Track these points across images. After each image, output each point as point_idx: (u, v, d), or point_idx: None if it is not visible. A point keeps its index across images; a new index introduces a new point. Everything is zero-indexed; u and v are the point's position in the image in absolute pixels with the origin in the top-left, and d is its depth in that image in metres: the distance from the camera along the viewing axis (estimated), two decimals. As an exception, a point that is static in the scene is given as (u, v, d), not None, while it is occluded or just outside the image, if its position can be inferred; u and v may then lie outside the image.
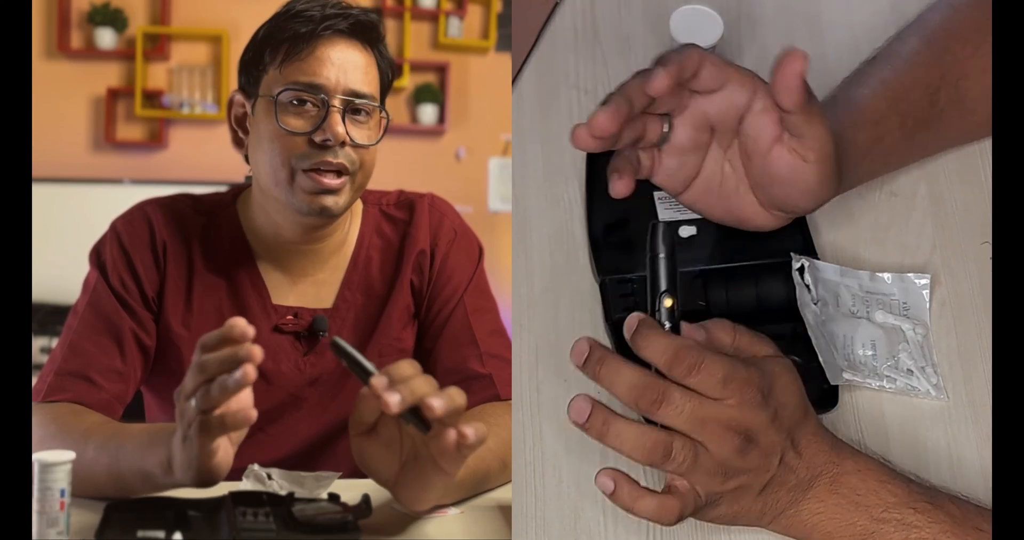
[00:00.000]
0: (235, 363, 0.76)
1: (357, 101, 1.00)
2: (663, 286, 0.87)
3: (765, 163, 0.94)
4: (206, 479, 0.79)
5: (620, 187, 0.92)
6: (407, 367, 0.82)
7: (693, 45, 0.92)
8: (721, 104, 0.93)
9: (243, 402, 0.78)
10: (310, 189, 0.99)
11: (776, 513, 0.88)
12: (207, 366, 0.77)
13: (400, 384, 0.80)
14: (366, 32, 1.02)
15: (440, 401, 0.80)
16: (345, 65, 1.00)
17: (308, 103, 0.99)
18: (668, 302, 0.87)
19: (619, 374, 0.84)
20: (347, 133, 0.99)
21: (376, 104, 1.02)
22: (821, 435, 0.88)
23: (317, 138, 0.98)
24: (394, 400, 0.79)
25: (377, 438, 0.83)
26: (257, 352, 0.77)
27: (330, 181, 0.99)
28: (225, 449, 0.80)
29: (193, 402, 0.77)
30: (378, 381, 0.79)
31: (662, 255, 0.87)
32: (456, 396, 0.81)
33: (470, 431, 0.80)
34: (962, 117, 1.05)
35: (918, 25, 1.08)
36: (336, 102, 0.99)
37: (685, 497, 0.86)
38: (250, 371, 0.76)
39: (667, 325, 0.86)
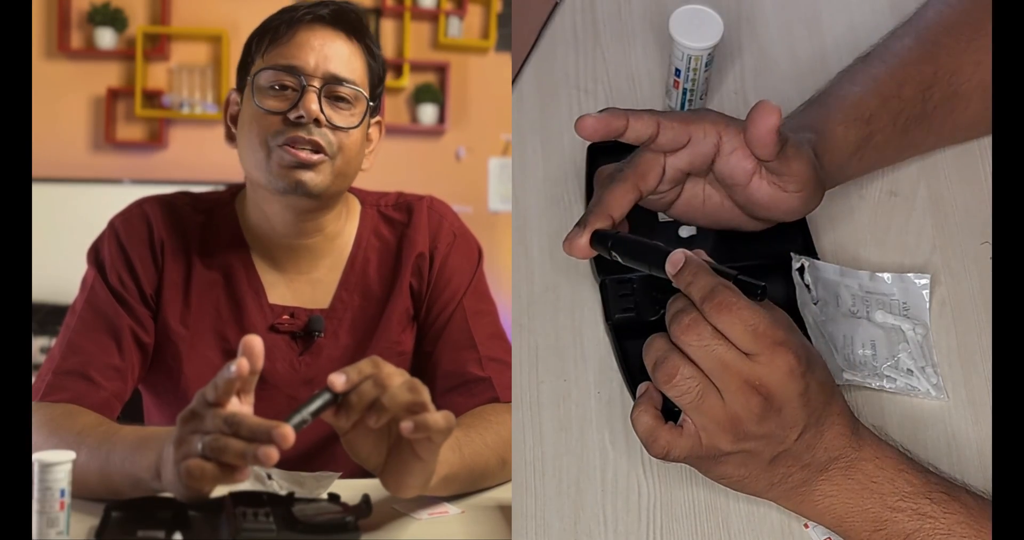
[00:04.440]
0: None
1: (337, 85, 1.00)
2: (650, 261, 0.90)
3: (746, 193, 0.95)
4: (193, 500, 0.80)
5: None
6: (367, 366, 0.81)
7: (650, 110, 0.94)
8: (689, 157, 0.95)
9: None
10: (285, 163, 0.99)
11: (786, 488, 0.88)
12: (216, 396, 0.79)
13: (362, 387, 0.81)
14: (349, 22, 1.03)
15: (395, 396, 0.80)
16: (325, 50, 1.01)
17: (287, 86, 1.00)
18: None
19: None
20: (323, 113, 0.99)
21: (358, 89, 1.02)
22: (846, 418, 0.88)
23: (291, 116, 0.99)
24: (340, 380, 0.80)
25: (364, 428, 0.83)
26: (256, 345, 0.79)
27: (306, 155, 0.99)
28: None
29: (197, 440, 0.78)
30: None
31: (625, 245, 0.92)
32: (410, 389, 0.81)
33: (407, 425, 0.79)
34: (955, 112, 1.05)
35: (912, 22, 1.08)
36: (314, 83, 1.00)
37: (684, 437, 0.86)
38: (243, 364, 0.78)
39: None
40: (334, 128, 1.00)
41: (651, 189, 0.96)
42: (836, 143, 0.99)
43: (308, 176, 1.00)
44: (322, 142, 0.99)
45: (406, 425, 0.79)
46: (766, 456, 0.86)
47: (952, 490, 0.87)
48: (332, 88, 1.00)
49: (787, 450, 0.86)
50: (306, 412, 0.79)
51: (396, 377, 0.81)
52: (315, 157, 1.00)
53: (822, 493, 0.88)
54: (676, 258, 0.87)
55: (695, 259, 0.87)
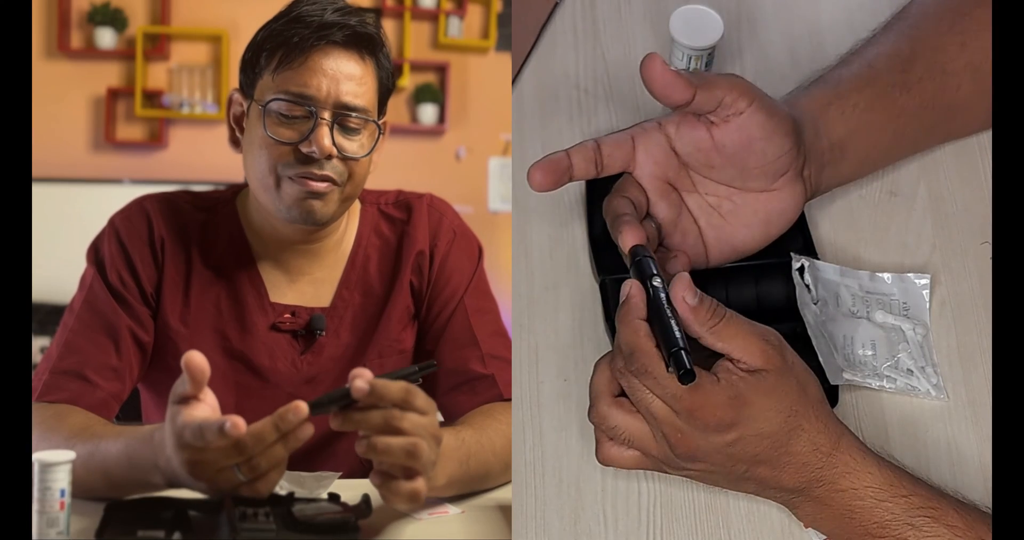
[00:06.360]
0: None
1: (348, 115, 0.99)
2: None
3: (722, 151, 0.94)
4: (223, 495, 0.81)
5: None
6: (397, 391, 0.81)
7: (590, 139, 0.94)
8: (647, 154, 0.95)
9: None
10: (296, 195, 0.99)
11: (769, 497, 0.90)
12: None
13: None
14: (364, 42, 1.01)
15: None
16: (338, 76, 0.99)
17: (297, 113, 0.98)
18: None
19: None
20: (335, 145, 0.99)
21: (368, 118, 1.01)
22: (807, 456, 0.86)
23: (303, 149, 0.98)
24: (363, 389, 0.80)
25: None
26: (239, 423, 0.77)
27: (316, 184, 0.99)
28: None
29: (232, 471, 0.79)
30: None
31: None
32: (408, 453, 0.81)
33: (376, 481, 0.82)
34: (945, 90, 1.03)
35: (894, 16, 1.08)
36: (325, 115, 0.98)
37: (628, 458, 0.90)
38: (240, 425, 0.77)
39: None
40: (344, 158, 1.00)
41: (640, 198, 0.95)
42: (801, 103, 0.99)
43: (317, 206, 1.00)
44: (332, 175, 0.99)
45: (375, 480, 0.82)
46: (721, 479, 0.89)
47: (937, 510, 0.85)
48: (343, 118, 0.99)
49: (744, 476, 0.87)
50: (329, 399, 0.81)
51: (415, 422, 0.81)
52: (324, 185, 0.99)
53: (804, 512, 0.89)
54: (624, 289, 0.87)
55: (632, 300, 0.86)
